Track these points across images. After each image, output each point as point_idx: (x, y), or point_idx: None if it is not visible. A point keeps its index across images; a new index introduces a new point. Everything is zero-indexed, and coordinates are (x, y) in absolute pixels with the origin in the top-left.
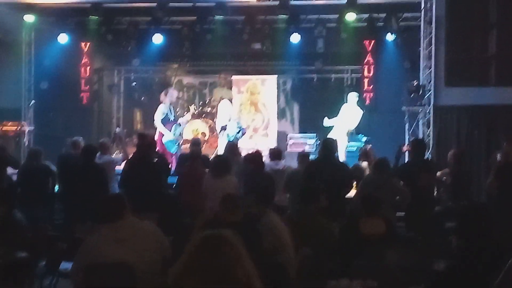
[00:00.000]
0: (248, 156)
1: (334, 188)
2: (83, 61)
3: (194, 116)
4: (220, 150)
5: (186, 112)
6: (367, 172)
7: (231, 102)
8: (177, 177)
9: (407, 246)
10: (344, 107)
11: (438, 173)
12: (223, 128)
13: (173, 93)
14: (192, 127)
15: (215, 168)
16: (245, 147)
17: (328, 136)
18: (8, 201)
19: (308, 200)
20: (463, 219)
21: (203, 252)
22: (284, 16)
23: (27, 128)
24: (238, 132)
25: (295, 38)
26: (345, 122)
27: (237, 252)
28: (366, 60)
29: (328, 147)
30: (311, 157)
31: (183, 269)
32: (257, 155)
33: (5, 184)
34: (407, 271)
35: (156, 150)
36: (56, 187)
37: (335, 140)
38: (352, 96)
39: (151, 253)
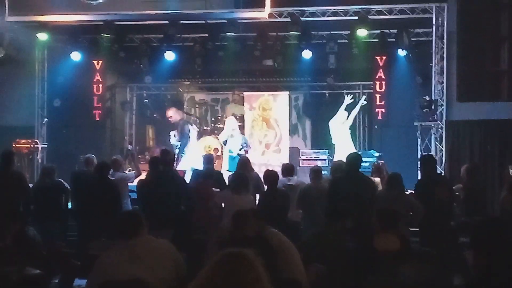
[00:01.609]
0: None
1: (359, 204)
2: (95, 79)
3: (207, 133)
4: (224, 165)
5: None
6: (380, 187)
7: (243, 118)
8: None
9: (422, 261)
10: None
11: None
12: (224, 143)
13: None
14: (204, 143)
15: (236, 185)
16: (258, 163)
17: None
18: (21, 218)
19: (334, 219)
20: (483, 234)
21: (223, 269)
22: (296, 32)
23: (40, 146)
24: (241, 149)
25: (307, 54)
26: (344, 139)
27: (256, 273)
28: (377, 76)
29: (352, 162)
30: (323, 172)
31: (201, 285)
32: (269, 174)
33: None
34: (422, 286)
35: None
36: (70, 204)
37: (359, 154)
38: (343, 114)
39: (166, 270)
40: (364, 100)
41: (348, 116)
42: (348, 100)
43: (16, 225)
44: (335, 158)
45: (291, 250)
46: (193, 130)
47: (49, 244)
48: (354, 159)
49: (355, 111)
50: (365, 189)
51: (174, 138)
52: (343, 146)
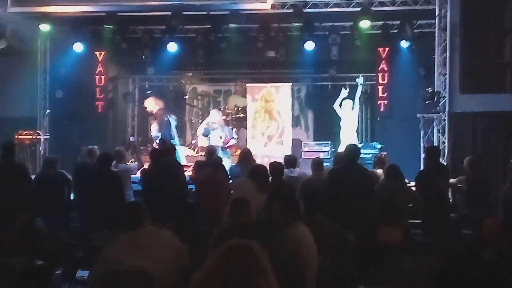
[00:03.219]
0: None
1: (358, 195)
2: (98, 70)
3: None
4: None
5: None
6: None
7: (246, 109)
8: (193, 184)
9: (424, 253)
10: (342, 114)
11: (454, 180)
12: (203, 135)
13: None
14: None
15: (261, 181)
16: (260, 154)
17: (341, 144)
18: (30, 209)
19: (315, 209)
20: None
21: (228, 260)
22: (298, 24)
23: (42, 137)
24: (220, 137)
25: (309, 45)
26: (349, 128)
27: (262, 265)
28: (380, 68)
29: (351, 153)
30: (325, 164)
31: (205, 275)
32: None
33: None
34: (424, 278)
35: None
36: (72, 195)
37: (358, 146)
38: (348, 104)
39: (169, 261)
40: (362, 80)
41: (353, 104)
42: (344, 93)
43: (23, 215)
44: (340, 147)
45: (307, 247)
46: (173, 121)
47: (52, 236)
48: (353, 150)
49: (358, 94)
50: (363, 180)
51: (155, 130)
52: (347, 136)
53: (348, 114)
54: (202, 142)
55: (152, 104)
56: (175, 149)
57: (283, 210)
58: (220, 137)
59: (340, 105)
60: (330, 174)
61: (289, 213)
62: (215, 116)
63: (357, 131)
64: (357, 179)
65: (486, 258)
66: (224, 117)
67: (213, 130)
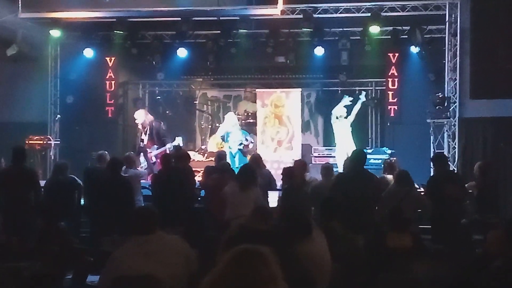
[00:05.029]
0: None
1: (363, 201)
2: (108, 75)
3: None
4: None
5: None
6: None
7: (256, 115)
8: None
9: (434, 258)
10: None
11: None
12: (222, 139)
13: None
14: (216, 140)
15: (243, 179)
16: (270, 160)
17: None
18: (48, 216)
19: (330, 216)
20: None
21: (237, 266)
22: (308, 29)
23: (53, 142)
24: (240, 144)
25: (319, 51)
26: (344, 137)
27: (271, 271)
28: (390, 73)
29: (356, 158)
30: (335, 169)
31: (215, 280)
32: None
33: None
34: (434, 284)
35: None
36: (82, 201)
37: (364, 151)
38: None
39: (179, 267)
40: (364, 96)
41: (348, 113)
42: (346, 101)
43: (44, 221)
44: (336, 156)
45: (320, 264)
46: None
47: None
48: (359, 156)
49: (357, 107)
50: (368, 187)
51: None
52: (344, 144)
53: (342, 123)
54: (212, 147)
55: (142, 116)
56: (188, 155)
57: (288, 230)
58: (246, 139)
59: (338, 117)
60: (335, 179)
61: (293, 234)
62: (232, 119)
63: (367, 136)
64: (361, 186)
65: (494, 267)
66: None
67: (232, 134)
